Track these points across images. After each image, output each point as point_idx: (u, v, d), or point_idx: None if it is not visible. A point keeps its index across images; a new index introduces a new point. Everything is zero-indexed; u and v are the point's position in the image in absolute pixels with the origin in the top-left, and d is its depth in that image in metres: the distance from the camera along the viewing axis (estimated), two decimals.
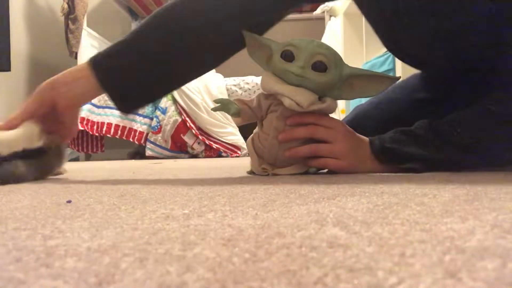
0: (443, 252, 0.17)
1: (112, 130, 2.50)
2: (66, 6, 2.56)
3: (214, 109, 0.64)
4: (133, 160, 2.28)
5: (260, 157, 0.63)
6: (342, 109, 2.34)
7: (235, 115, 0.63)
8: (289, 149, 0.60)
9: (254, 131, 0.65)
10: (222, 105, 0.63)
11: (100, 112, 2.52)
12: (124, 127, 2.50)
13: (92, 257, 0.18)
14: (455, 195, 0.34)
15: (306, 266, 0.16)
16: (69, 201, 0.36)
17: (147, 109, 2.45)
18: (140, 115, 2.52)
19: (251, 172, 0.66)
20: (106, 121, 2.48)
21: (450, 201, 0.31)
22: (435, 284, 0.13)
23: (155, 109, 2.41)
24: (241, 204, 0.31)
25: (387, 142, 0.59)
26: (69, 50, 2.68)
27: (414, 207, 0.28)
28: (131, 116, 2.53)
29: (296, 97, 0.56)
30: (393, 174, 0.58)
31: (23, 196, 0.41)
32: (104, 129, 2.49)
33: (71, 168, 1.32)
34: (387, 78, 0.58)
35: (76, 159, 2.84)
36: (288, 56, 0.57)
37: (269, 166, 0.62)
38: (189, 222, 0.25)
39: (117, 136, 2.51)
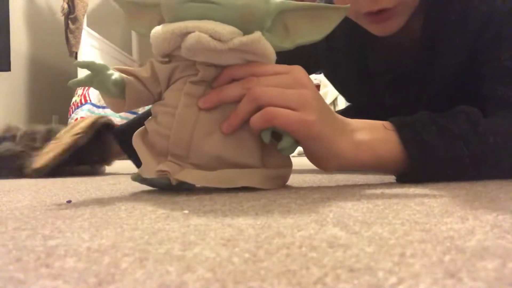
0: (443, 252, 0.17)
1: None
2: (66, 6, 2.57)
3: (73, 83, 0.39)
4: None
5: (160, 154, 0.39)
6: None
7: (114, 90, 0.38)
8: (223, 122, 0.38)
9: (145, 123, 0.42)
10: (94, 72, 0.38)
11: (100, 112, 2.52)
12: None
13: (92, 257, 0.18)
14: (455, 195, 0.34)
15: (306, 266, 0.16)
16: (69, 201, 0.36)
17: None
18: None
19: (139, 179, 0.42)
20: None
21: (450, 201, 0.31)
22: (435, 284, 0.13)
23: None
24: (241, 204, 0.31)
25: (424, 133, 0.43)
26: (69, 50, 2.68)
27: (414, 207, 0.28)
28: (130, 116, 2.52)
29: (208, 27, 0.35)
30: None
31: (23, 196, 0.41)
32: None
33: None
34: (334, 10, 0.40)
35: None
36: None
37: (175, 166, 0.38)
38: (189, 222, 0.25)
39: None
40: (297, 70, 0.40)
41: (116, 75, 0.38)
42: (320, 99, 0.40)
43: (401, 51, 0.63)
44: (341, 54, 0.70)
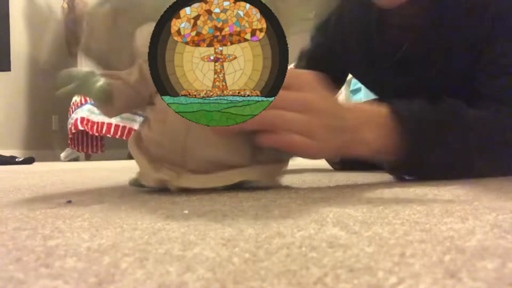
0: (443, 252, 0.17)
1: (112, 130, 2.49)
2: (66, 6, 2.57)
3: (62, 93, 0.40)
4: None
5: (156, 159, 0.39)
6: None
7: (101, 96, 0.39)
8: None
9: (139, 127, 0.43)
10: (79, 82, 0.39)
11: (100, 112, 2.52)
12: (124, 127, 2.50)
13: (92, 257, 0.18)
14: (455, 195, 0.34)
15: (306, 266, 0.16)
16: (69, 201, 0.36)
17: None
18: (140, 115, 2.52)
19: (137, 184, 0.41)
20: (106, 121, 2.48)
21: (450, 201, 0.31)
22: (435, 284, 0.13)
23: None
24: (241, 204, 0.31)
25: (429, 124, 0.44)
26: (69, 50, 2.68)
27: (414, 207, 0.28)
28: (131, 116, 2.52)
29: None
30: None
31: (23, 196, 0.42)
32: (104, 129, 2.48)
33: (71, 168, 1.32)
34: None
35: (76, 159, 2.84)
36: None
37: (173, 173, 0.38)
38: (189, 222, 0.25)
39: (117, 136, 2.51)
40: (313, 78, 0.40)
41: (101, 82, 0.39)
42: (335, 118, 0.40)
43: (408, 34, 0.64)
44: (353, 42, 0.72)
